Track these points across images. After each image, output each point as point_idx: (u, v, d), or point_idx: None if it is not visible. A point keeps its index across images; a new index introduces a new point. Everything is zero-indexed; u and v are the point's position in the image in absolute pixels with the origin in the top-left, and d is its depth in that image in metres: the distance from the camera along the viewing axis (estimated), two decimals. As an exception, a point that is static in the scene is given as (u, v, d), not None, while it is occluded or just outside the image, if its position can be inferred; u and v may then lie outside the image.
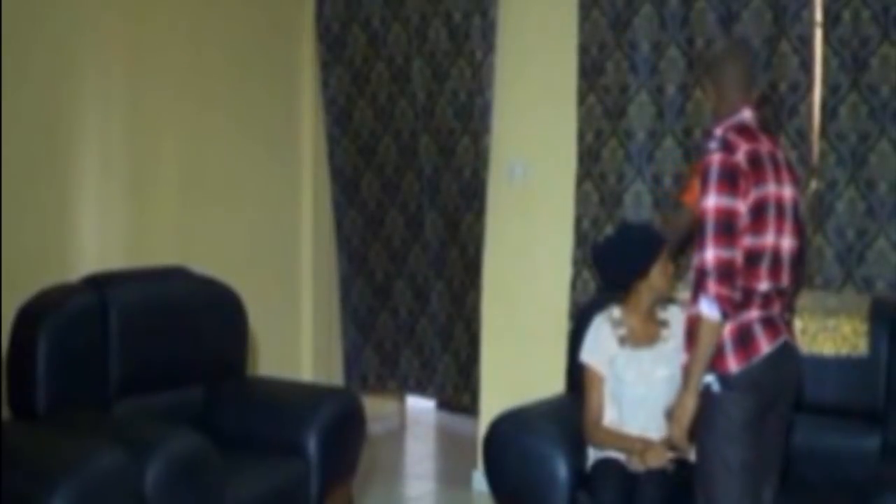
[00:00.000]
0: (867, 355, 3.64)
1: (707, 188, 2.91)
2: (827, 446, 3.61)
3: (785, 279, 3.01)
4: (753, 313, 2.96)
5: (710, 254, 2.89)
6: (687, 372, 2.99)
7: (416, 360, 5.42)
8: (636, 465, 3.43)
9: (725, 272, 2.88)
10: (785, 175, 3.02)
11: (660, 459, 3.38)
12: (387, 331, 5.51)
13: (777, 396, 3.02)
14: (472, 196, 5.03)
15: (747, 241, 2.92)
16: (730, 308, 2.90)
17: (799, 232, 3.09)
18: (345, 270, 5.58)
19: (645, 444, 3.45)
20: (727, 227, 2.89)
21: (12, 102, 4.06)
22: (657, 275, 3.59)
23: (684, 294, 3.54)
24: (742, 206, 2.90)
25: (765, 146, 3.00)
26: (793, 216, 3.03)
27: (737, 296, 2.91)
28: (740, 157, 2.92)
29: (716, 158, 2.92)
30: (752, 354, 2.94)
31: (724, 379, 2.95)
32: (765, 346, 2.95)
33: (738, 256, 2.90)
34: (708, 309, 2.90)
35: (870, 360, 3.64)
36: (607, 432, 3.58)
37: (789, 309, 3.13)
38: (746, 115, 3.04)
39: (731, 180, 2.90)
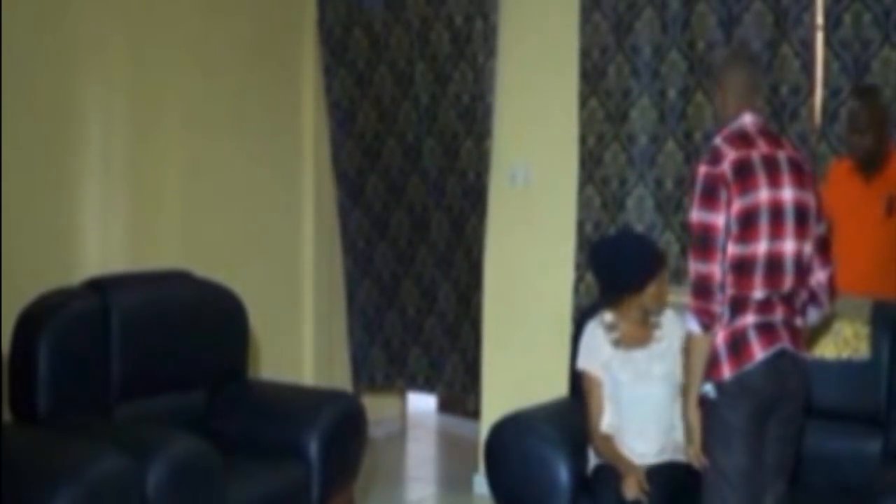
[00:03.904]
0: (869, 359, 3.64)
1: (692, 201, 2.99)
2: (828, 450, 3.60)
3: (787, 283, 2.99)
4: (749, 319, 2.96)
5: (692, 269, 2.98)
6: (685, 388, 3.05)
7: (424, 358, 5.45)
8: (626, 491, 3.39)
9: (701, 286, 2.95)
10: (786, 178, 2.99)
11: (631, 491, 3.34)
12: (395, 330, 5.53)
13: (776, 403, 3.01)
14: (476, 199, 5.05)
15: (735, 250, 2.94)
16: (708, 320, 2.96)
17: (805, 234, 3.03)
18: (350, 271, 5.60)
19: (626, 470, 3.41)
20: (703, 242, 2.95)
21: (15, 105, 4.07)
22: (650, 295, 3.56)
23: (680, 298, 3.53)
24: (721, 220, 2.93)
25: (761, 151, 2.99)
26: (796, 218, 2.99)
27: (716, 308, 2.94)
28: (725, 167, 2.94)
29: (700, 171, 2.99)
30: (744, 361, 2.95)
31: (718, 386, 2.97)
32: (758, 353, 2.95)
33: (715, 270, 2.93)
34: (689, 323, 3.00)
35: (871, 364, 3.63)
36: (606, 445, 3.57)
37: (800, 313, 3.09)
38: (747, 120, 3.04)
39: (710, 194, 2.94)
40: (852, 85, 4.08)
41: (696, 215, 2.97)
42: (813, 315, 3.15)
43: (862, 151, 3.94)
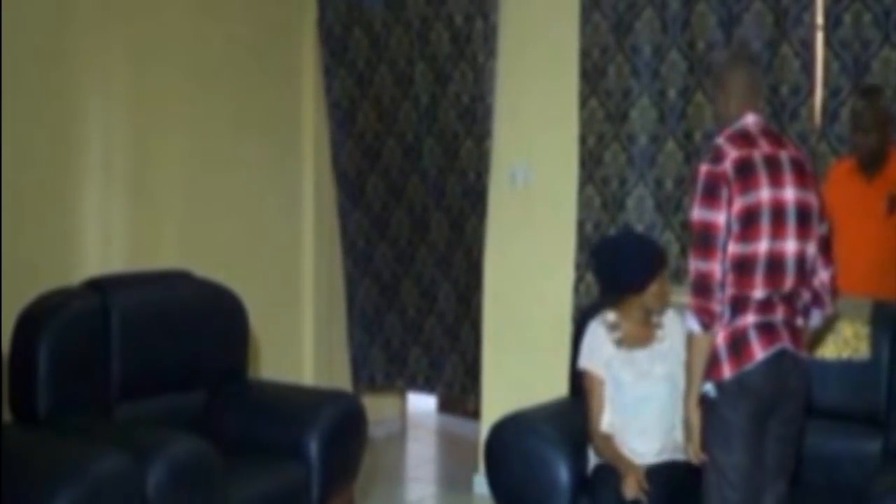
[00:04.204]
0: (869, 359, 3.64)
1: (693, 199, 2.99)
2: (828, 450, 3.59)
3: (788, 283, 2.99)
4: (749, 318, 2.96)
5: (692, 266, 2.98)
6: (686, 387, 3.07)
7: (424, 358, 5.45)
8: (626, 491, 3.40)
9: (701, 284, 2.95)
10: (788, 178, 2.99)
11: (631, 491, 3.35)
12: (394, 330, 5.53)
13: (776, 403, 3.01)
14: (476, 199, 5.05)
15: (736, 248, 2.94)
16: (708, 319, 2.96)
17: (807, 234, 3.03)
18: (350, 271, 5.60)
19: (626, 470, 3.41)
20: (704, 240, 2.95)
21: (14, 106, 4.07)
22: (651, 294, 3.56)
23: (681, 298, 3.54)
24: (721, 219, 2.93)
25: (762, 150, 2.99)
26: (798, 218, 2.99)
27: (716, 307, 2.94)
28: (726, 165, 2.95)
29: (702, 169, 2.99)
30: (744, 360, 2.95)
31: (718, 385, 2.97)
32: (759, 353, 2.95)
33: (716, 268, 2.93)
34: (689, 322, 3.00)
35: (871, 364, 3.63)
36: (606, 445, 3.57)
37: (803, 314, 3.08)
38: (749, 120, 3.04)
39: (711, 192, 2.94)
40: (852, 85, 4.09)
41: (696, 214, 2.97)
42: (816, 317, 3.15)
43: (866, 150, 3.95)
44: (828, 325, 3.55)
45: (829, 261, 3.10)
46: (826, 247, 3.10)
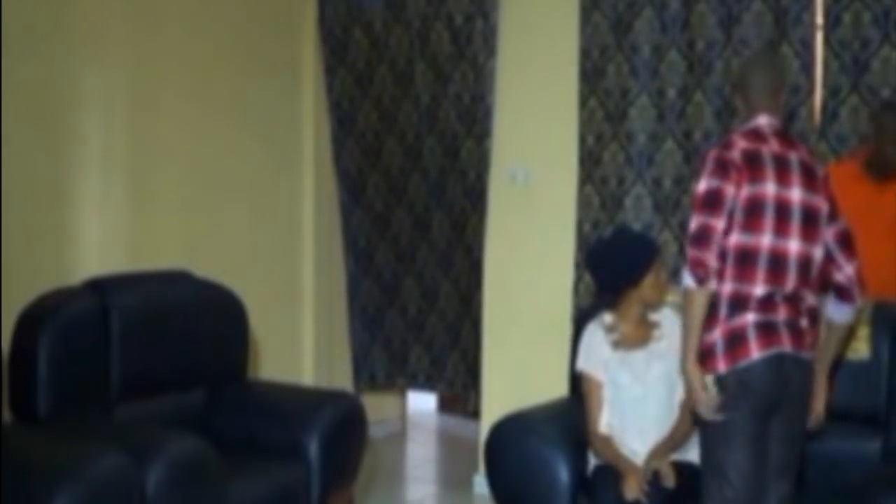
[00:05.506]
0: (868, 359, 3.64)
1: (700, 176, 3.00)
2: (828, 450, 3.58)
3: (791, 282, 2.99)
4: (749, 317, 2.96)
5: (693, 222, 2.96)
6: (683, 345, 3.02)
7: (425, 356, 5.46)
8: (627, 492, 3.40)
9: (701, 234, 2.94)
10: (795, 178, 3.01)
11: (632, 492, 3.34)
12: (395, 329, 5.54)
13: (778, 403, 3.00)
14: (477, 198, 5.05)
15: (738, 238, 2.95)
16: (703, 273, 2.92)
17: (813, 236, 3.02)
18: (352, 270, 5.61)
19: (626, 470, 3.41)
20: (711, 201, 2.95)
21: (13, 104, 4.07)
22: (648, 286, 3.57)
23: (679, 298, 3.53)
24: (730, 189, 2.95)
25: (771, 147, 3.01)
26: (803, 219, 3.00)
27: (712, 261, 2.92)
28: (735, 153, 2.98)
29: (711, 153, 3.02)
30: (739, 357, 2.95)
31: (719, 380, 2.97)
32: (755, 352, 2.95)
33: (719, 224, 2.93)
34: (684, 278, 2.97)
35: (871, 364, 3.63)
36: (605, 445, 3.57)
37: (806, 316, 3.06)
38: (762, 121, 3.06)
39: (721, 168, 2.97)
40: (851, 84, 4.09)
41: (705, 184, 2.97)
42: (846, 311, 3.14)
43: (893, 163, 3.91)
44: (859, 322, 3.50)
45: (851, 255, 3.10)
46: (847, 241, 3.10)
